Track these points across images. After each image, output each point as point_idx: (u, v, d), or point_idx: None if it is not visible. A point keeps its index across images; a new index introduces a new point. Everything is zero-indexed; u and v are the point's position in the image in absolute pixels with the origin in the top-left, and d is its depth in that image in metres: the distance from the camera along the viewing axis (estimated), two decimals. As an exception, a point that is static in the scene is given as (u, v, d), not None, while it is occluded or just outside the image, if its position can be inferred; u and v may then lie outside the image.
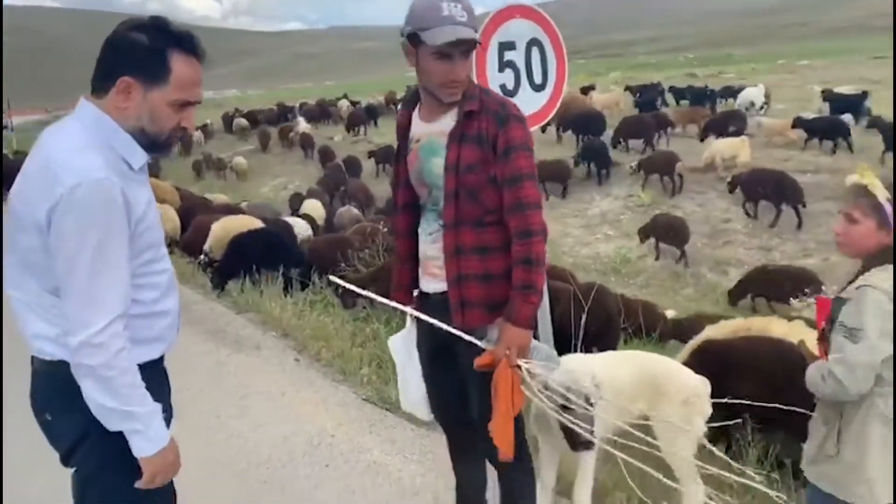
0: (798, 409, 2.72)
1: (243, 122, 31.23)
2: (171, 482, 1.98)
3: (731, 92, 23.07)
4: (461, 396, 2.57)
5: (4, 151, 19.16)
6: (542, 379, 2.57)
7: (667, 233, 11.33)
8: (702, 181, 13.44)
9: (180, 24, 1.84)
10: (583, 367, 2.91)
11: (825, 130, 15.38)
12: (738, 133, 15.64)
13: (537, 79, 4.25)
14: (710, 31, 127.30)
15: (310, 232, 10.46)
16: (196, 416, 4.24)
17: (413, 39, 2.24)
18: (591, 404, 2.76)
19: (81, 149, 1.72)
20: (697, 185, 12.76)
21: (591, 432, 2.62)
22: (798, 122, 15.73)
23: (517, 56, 4.12)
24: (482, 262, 2.35)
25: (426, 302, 2.54)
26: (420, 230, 2.51)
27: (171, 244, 9.80)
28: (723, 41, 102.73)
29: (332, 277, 2.73)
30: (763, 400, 3.10)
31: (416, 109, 2.46)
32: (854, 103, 18.17)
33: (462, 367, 2.47)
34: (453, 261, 2.35)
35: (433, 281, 2.48)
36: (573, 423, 2.52)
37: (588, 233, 12.88)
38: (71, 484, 1.93)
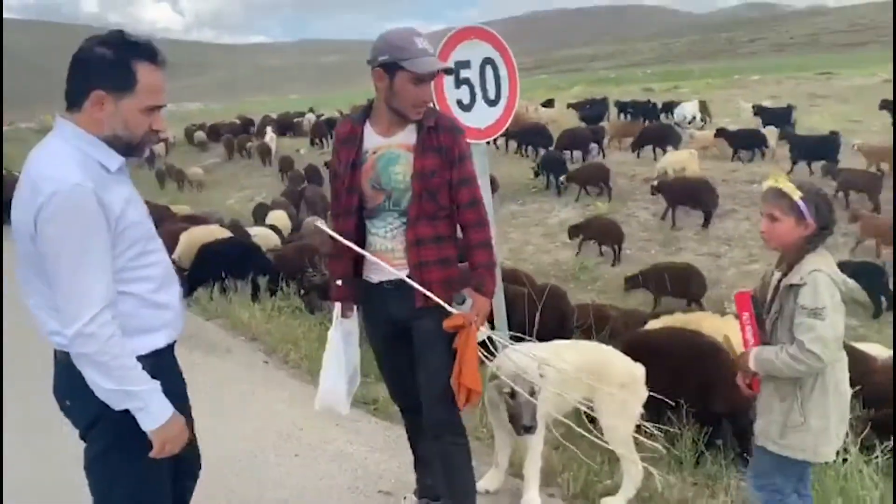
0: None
1: (201, 135, 31.51)
2: (177, 473, 2.22)
3: (672, 106, 24.24)
4: (415, 377, 2.90)
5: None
6: (496, 366, 3.00)
7: (600, 233, 12.23)
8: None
9: (140, 35, 2.00)
10: (531, 357, 3.23)
11: (744, 141, 16.70)
12: (670, 145, 16.95)
13: (491, 94, 4.59)
14: (670, 47, 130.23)
15: (277, 241, 10.62)
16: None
17: (389, 67, 2.61)
18: (535, 392, 3.11)
19: (58, 160, 1.90)
20: (652, 196, 13.33)
21: (533, 418, 3.05)
22: (720, 133, 17.08)
23: (472, 74, 4.47)
24: (438, 250, 2.77)
25: (374, 291, 2.89)
26: (372, 228, 2.84)
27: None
28: (682, 57, 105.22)
29: (318, 223, 3.01)
30: (674, 386, 3.45)
31: (367, 125, 2.79)
32: (780, 116, 19.60)
33: (418, 342, 2.84)
34: (414, 250, 2.75)
35: (386, 271, 2.81)
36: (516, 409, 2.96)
37: (548, 241, 13.33)
38: (84, 460, 2.12)
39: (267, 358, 5.83)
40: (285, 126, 30.39)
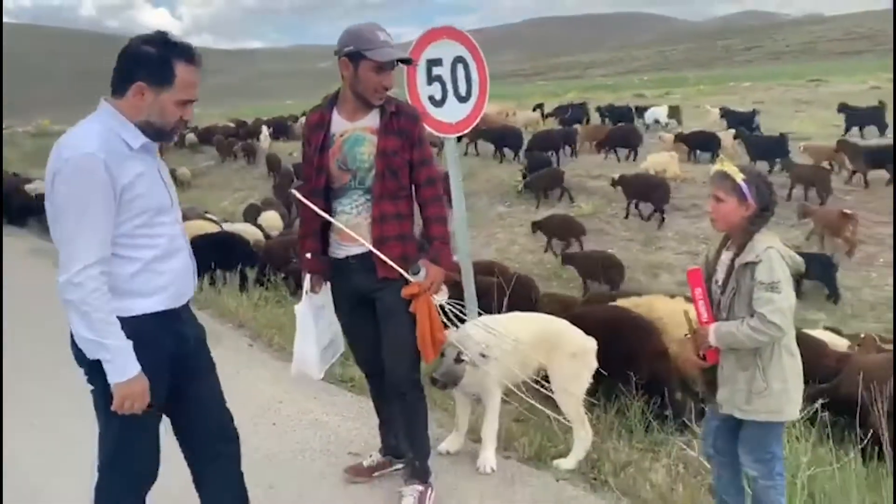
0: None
1: (192, 137, 32.36)
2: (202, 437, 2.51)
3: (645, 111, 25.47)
4: (379, 344, 3.20)
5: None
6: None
7: (560, 229, 13.05)
8: (639, 192, 14.40)
9: (180, 38, 2.29)
10: (483, 328, 3.54)
11: (699, 143, 17.57)
12: (633, 146, 18.21)
13: (462, 91, 4.85)
14: (667, 54, 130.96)
15: (259, 237, 10.80)
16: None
17: (354, 56, 2.93)
18: (485, 356, 3.41)
19: (83, 134, 2.19)
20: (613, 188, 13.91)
21: (444, 375, 3.41)
22: (678, 137, 18.01)
23: (444, 71, 4.72)
24: (399, 226, 3.08)
25: (340, 265, 3.19)
26: (339, 207, 3.13)
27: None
28: (679, 64, 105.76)
29: (294, 191, 3.22)
30: (604, 357, 3.77)
31: (335, 111, 3.10)
32: (746, 119, 20.74)
33: (381, 311, 3.14)
34: (378, 226, 3.05)
35: (353, 246, 3.12)
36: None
37: (533, 241, 13.65)
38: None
39: (252, 342, 6.11)
40: (279, 129, 30.82)
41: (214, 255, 7.99)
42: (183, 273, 2.41)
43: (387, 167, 3.01)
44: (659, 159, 15.10)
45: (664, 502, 3.26)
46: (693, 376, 4.34)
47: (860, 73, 38.77)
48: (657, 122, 23.12)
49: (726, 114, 22.04)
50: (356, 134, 3.05)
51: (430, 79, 4.67)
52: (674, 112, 23.61)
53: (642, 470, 3.57)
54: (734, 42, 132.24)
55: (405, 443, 3.31)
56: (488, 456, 3.62)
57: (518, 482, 3.50)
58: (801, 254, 2.85)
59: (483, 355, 3.42)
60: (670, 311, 4.57)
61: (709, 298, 2.79)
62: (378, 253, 3.03)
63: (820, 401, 3.88)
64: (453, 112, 4.79)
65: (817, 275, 10.28)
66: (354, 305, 3.26)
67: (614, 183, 14.37)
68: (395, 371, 3.17)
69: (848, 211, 11.82)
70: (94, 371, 2.25)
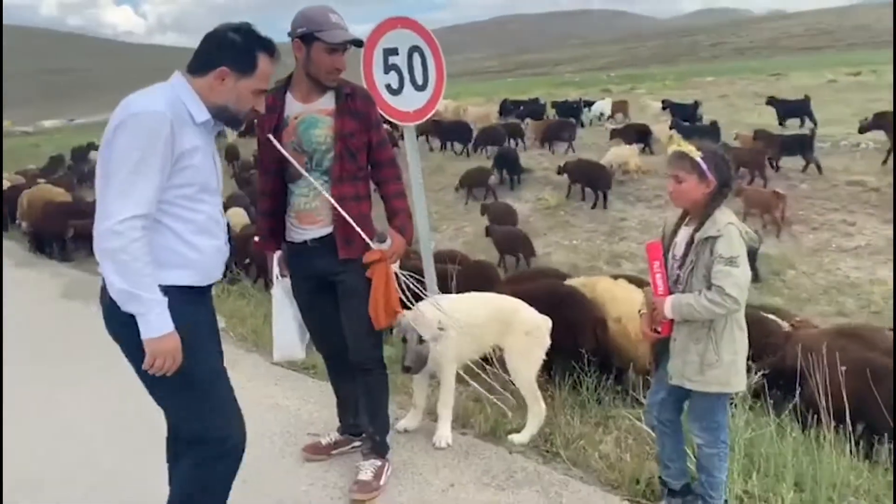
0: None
1: None
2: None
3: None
4: (338, 325, 3.27)
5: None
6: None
7: (498, 215, 13.73)
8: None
9: (241, 26, 2.38)
10: (436, 307, 3.63)
11: (630, 135, 18.28)
12: (567, 139, 19.18)
13: (419, 80, 4.91)
14: (634, 51, 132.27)
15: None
16: (129, 377, 4.77)
17: (307, 38, 2.98)
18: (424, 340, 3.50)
19: (153, 96, 2.25)
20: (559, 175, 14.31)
21: (414, 361, 3.50)
22: (613, 132, 19.04)
23: (400, 60, 4.77)
24: (357, 207, 3.12)
25: (299, 249, 3.23)
26: (296, 190, 3.17)
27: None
28: (645, 60, 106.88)
29: (270, 136, 3.23)
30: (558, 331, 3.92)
31: (288, 94, 3.14)
32: (688, 110, 21.89)
33: (342, 292, 3.19)
34: (336, 207, 3.07)
35: (312, 229, 3.16)
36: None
37: (501, 234, 13.78)
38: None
39: (215, 332, 6.14)
40: (246, 126, 30.73)
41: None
42: (214, 253, 2.42)
43: (345, 149, 3.06)
44: (620, 152, 15.45)
45: (612, 471, 3.39)
46: (633, 354, 4.51)
47: (819, 68, 39.67)
48: (602, 115, 24.58)
49: (670, 106, 23.16)
50: (311, 116, 3.10)
51: (387, 67, 4.74)
52: (621, 107, 24.77)
53: (593, 442, 3.70)
54: (700, 38, 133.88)
55: (365, 418, 3.39)
56: (444, 432, 3.72)
57: (473, 455, 3.61)
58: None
59: (440, 328, 3.51)
60: (610, 292, 4.76)
61: (665, 272, 2.84)
62: (348, 217, 3.06)
63: (761, 372, 4.06)
64: (411, 101, 4.83)
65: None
66: (312, 288, 3.30)
67: (560, 170, 15.15)
68: (358, 349, 3.24)
69: (779, 190, 12.45)
70: (128, 331, 2.22)
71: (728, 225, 2.67)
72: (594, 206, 14.44)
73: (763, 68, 46.87)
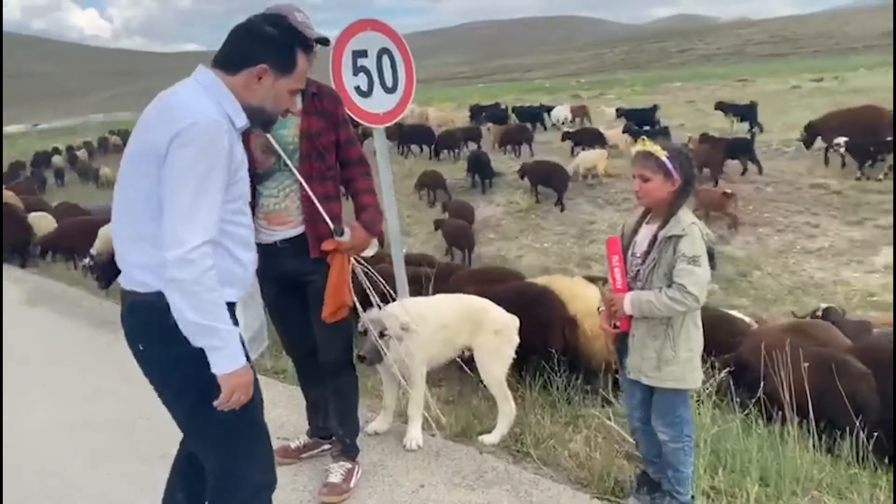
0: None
1: (117, 139, 33.67)
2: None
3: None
4: (307, 326, 3.24)
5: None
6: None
7: (458, 212, 14.13)
8: (572, 188, 14.94)
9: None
10: (404, 309, 3.63)
11: (581, 139, 18.90)
12: (527, 141, 19.89)
13: (388, 82, 4.90)
14: (604, 57, 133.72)
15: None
16: (94, 381, 4.72)
17: None
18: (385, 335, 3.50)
19: (197, 96, 2.00)
20: (569, 192, 14.16)
21: (368, 351, 3.49)
22: (564, 135, 19.80)
23: (369, 62, 4.76)
24: (327, 207, 3.08)
25: (268, 251, 3.13)
26: (264, 191, 3.11)
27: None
28: (615, 66, 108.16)
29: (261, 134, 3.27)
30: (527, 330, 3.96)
31: None
32: (645, 115, 22.42)
33: (313, 294, 3.15)
34: (307, 206, 3.06)
35: (282, 230, 3.12)
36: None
37: (476, 237, 13.83)
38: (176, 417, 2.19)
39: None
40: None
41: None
42: (252, 267, 2.24)
43: (313, 148, 3.04)
44: (589, 156, 15.65)
45: (581, 469, 3.41)
46: (589, 350, 4.55)
47: (784, 74, 40.52)
48: (564, 120, 25.29)
49: (626, 112, 24.05)
50: None
51: (356, 69, 4.73)
52: (580, 111, 25.57)
53: (562, 441, 3.71)
54: (668, 45, 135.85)
55: (335, 421, 3.37)
56: (414, 433, 3.72)
57: (443, 456, 3.61)
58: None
59: (404, 328, 3.51)
60: (568, 288, 4.80)
61: (624, 266, 2.87)
62: (319, 206, 3.04)
63: (726, 370, 4.12)
64: (381, 103, 4.81)
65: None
66: (282, 290, 3.27)
67: (520, 174, 15.63)
68: (328, 351, 3.21)
69: (728, 191, 12.84)
70: (182, 375, 2.04)
71: (692, 225, 2.72)
72: (557, 204, 14.72)
73: (730, 74, 47.74)
